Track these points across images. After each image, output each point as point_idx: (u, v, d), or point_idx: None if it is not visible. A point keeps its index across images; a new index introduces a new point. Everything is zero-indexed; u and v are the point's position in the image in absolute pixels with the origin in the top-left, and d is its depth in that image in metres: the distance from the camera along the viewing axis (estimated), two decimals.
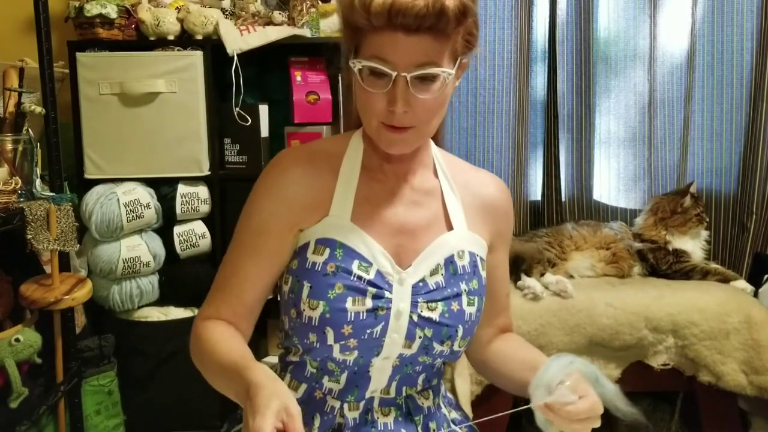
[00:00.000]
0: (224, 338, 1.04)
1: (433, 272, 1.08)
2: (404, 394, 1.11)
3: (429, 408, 1.15)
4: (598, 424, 0.95)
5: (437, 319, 1.06)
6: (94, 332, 2.16)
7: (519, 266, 2.20)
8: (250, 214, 1.10)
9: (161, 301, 2.26)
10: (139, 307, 2.22)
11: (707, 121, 2.51)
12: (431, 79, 0.98)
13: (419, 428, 1.12)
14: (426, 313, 1.05)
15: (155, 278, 2.23)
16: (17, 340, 1.70)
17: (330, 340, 1.04)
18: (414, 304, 1.05)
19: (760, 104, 2.43)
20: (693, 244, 2.33)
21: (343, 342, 1.04)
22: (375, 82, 0.98)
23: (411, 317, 1.05)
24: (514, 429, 2.21)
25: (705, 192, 2.54)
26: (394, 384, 1.10)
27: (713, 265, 2.30)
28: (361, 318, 1.03)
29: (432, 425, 1.14)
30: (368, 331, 1.04)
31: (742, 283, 2.22)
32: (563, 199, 2.58)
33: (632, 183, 2.59)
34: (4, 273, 1.88)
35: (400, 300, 1.05)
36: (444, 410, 1.20)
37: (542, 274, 2.18)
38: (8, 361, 1.67)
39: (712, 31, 2.45)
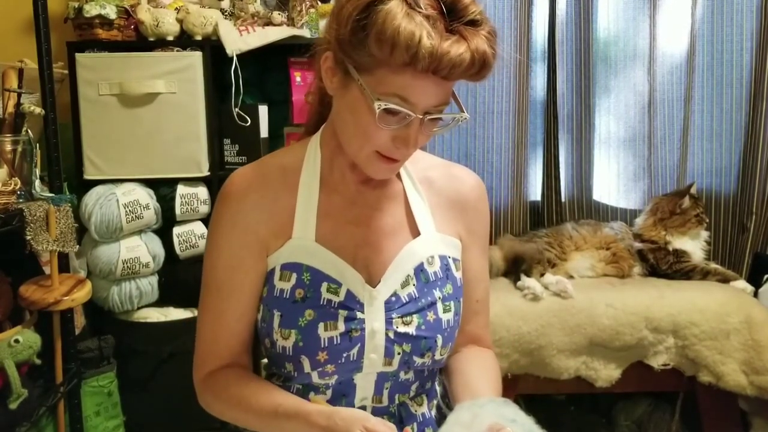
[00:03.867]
0: (245, 389, 1.03)
1: (404, 284, 1.04)
2: (397, 401, 1.08)
3: (423, 414, 1.12)
4: None
5: (414, 333, 1.02)
6: (94, 333, 2.16)
7: (519, 266, 2.20)
8: (219, 252, 1.06)
9: (161, 302, 2.26)
10: (139, 308, 2.22)
11: (707, 121, 2.51)
12: (441, 117, 0.95)
13: None
14: (402, 329, 1.02)
15: (155, 279, 2.23)
16: (17, 341, 1.69)
17: (307, 368, 1.02)
18: (388, 321, 1.02)
19: (760, 103, 2.43)
20: (693, 245, 2.33)
21: (320, 369, 1.01)
22: (389, 119, 0.93)
23: (387, 335, 1.02)
24: None
25: (705, 192, 2.54)
26: (385, 393, 1.07)
27: (713, 266, 2.30)
28: (335, 342, 1.00)
29: (428, 431, 1.12)
30: (344, 355, 1.01)
31: (742, 284, 2.21)
32: (563, 200, 2.58)
33: (632, 183, 2.58)
34: (4, 274, 1.87)
35: (374, 319, 1.01)
36: (446, 411, 1.17)
37: (542, 275, 2.18)
38: (8, 362, 1.66)
39: (712, 31, 2.45)
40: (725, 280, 2.23)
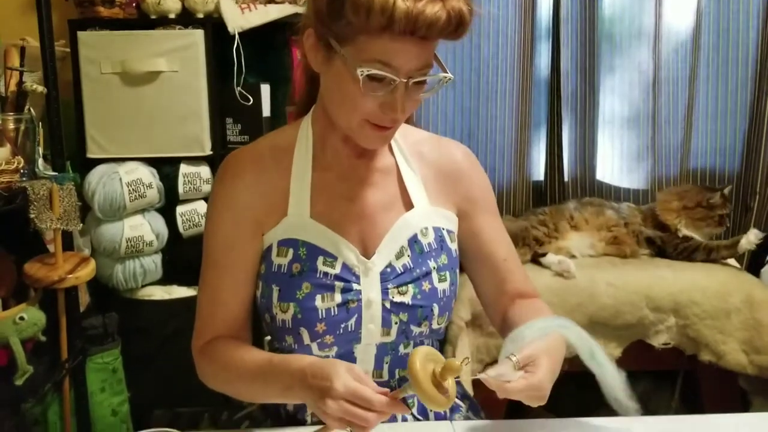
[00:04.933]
0: (240, 351, 1.05)
1: (399, 255, 1.07)
2: (397, 376, 1.11)
3: None
4: (541, 402, 0.91)
5: (410, 303, 1.05)
6: (98, 311, 2.18)
7: None
8: (215, 231, 1.09)
9: (165, 280, 2.28)
10: (143, 286, 2.23)
11: (712, 100, 2.49)
12: (426, 80, 0.97)
13: (414, 410, 1.13)
14: (398, 299, 1.05)
15: (158, 257, 2.24)
16: (21, 318, 1.71)
17: (306, 340, 1.05)
18: (384, 292, 1.05)
19: (765, 82, 2.41)
20: (701, 236, 2.29)
21: (319, 340, 1.04)
22: (374, 86, 0.95)
23: (383, 305, 1.05)
24: (517, 403, 2.23)
25: (709, 172, 2.53)
26: (386, 367, 1.10)
27: (716, 242, 2.27)
28: (333, 314, 1.03)
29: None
30: (342, 326, 1.04)
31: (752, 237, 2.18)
32: (566, 179, 2.57)
33: (635, 163, 2.58)
34: (8, 252, 1.89)
35: (370, 290, 1.04)
36: None
37: (535, 254, 2.17)
38: (13, 339, 1.68)
39: (718, 8, 2.42)
40: (732, 246, 2.20)
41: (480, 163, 1.22)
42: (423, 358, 0.83)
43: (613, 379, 0.96)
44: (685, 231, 2.26)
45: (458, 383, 1.26)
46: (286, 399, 0.99)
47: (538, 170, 2.62)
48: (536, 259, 2.21)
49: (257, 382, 1.01)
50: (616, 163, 2.59)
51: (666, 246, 2.27)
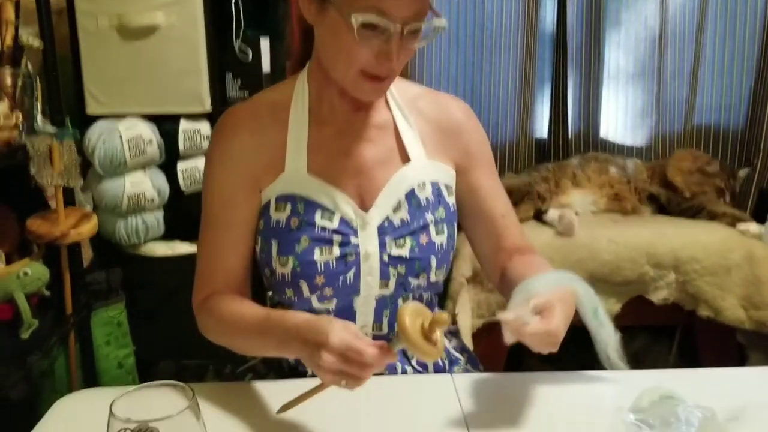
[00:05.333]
0: (238, 305, 1.05)
1: (396, 209, 1.08)
2: (396, 329, 1.13)
3: None
4: (553, 349, 0.91)
5: (407, 255, 1.06)
6: (102, 266, 2.19)
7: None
8: (212, 188, 1.10)
9: (167, 237, 2.28)
10: (146, 242, 2.24)
11: (718, 55, 2.46)
12: (421, 28, 0.97)
13: (413, 362, 1.15)
14: (395, 252, 1.06)
15: (160, 214, 2.24)
16: (25, 273, 1.73)
17: (306, 292, 1.06)
18: (382, 245, 1.06)
19: None
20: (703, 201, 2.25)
21: (318, 292, 1.06)
22: (369, 35, 0.94)
23: (381, 258, 1.06)
24: (514, 358, 2.26)
25: (713, 128, 2.51)
26: (385, 320, 1.11)
27: (723, 208, 2.24)
28: (331, 267, 1.05)
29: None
30: (341, 278, 1.05)
31: (752, 226, 2.16)
32: (569, 136, 2.56)
33: (639, 119, 2.56)
34: (10, 208, 1.89)
35: (368, 243, 1.06)
36: (446, 342, 1.21)
37: (538, 210, 2.17)
38: (17, 294, 1.70)
39: None
40: (733, 223, 2.19)
41: (483, 119, 1.22)
42: (411, 313, 0.85)
43: (609, 338, 0.96)
44: (686, 193, 2.25)
45: (457, 337, 1.28)
46: (282, 353, 1.00)
47: (542, 127, 2.60)
48: (538, 216, 2.21)
49: (254, 337, 1.01)
50: (620, 119, 2.57)
51: (670, 204, 2.27)
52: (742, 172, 2.30)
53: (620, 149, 2.57)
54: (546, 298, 0.91)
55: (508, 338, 0.89)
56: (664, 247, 2.08)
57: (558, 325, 0.89)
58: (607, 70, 2.51)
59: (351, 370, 0.84)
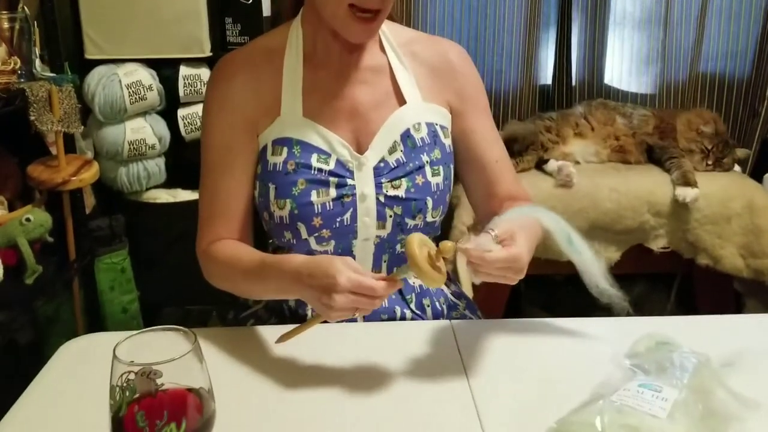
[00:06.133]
0: (240, 250, 1.07)
1: (392, 150, 1.08)
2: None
3: (420, 286, 1.18)
4: (519, 276, 0.91)
5: (403, 196, 1.08)
6: (104, 213, 2.20)
7: (512, 147, 2.17)
8: (211, 133, 1.11)
9: (169, 184, 2.29)
10: (148, 189, 2.24)
11: (726, 2, 2.41)
12: None
13: (412, 305, 1.16)
14: (391, 192, 1.07)
15: (162, 161, 2.24)
16: (28, 219, 1.73)
17: (304, 234, 1.08)
18: (378, 186, 1.07)
19: None
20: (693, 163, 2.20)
21: (316, 234, 1.07)
22: None
23: (378, 199, 1.07)
24: (514, 302, 2.29)
25: (719, 75, 2.48)
26: (384, 265, 1.13)
27: (684, 168, 2.15)
28: (328, 208, 1.06)
29: (425, 301, 1.18)
30: (338, 220, 1.07)
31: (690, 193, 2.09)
32: (573, 83, 2.53)
33: (644, 66, 2.52)
34: (11, 154, 1.89)
35: (364, 184, 1.07)
36: (444, 286, 1.23)
37: (540, 159, 2.16)
38: (21, 240, 1.71)
39: None
40: (686, 184, 2.11)
41: (487, 66, 1.21)
42: (419, 242, 0.88)
43: (592, 266, 0.96)
44: (683, 146, 2.22)
45: (455, 283, 1.29)
46: (282, 296, 1.03)
47: (546, 73, 2.57)
48: (540, 166, 2.21)
49: (253, 281, 1.04)
50: (624, 66, 2.54)
51: (660, 152, 2.22)
52: (742, 152, 2.26)
53: (624, 96, 2.54)
54: (507, 226, 0.92)
55: (473, 276, 0.90)
56: (665, 197, 2.09)
57: (520, 250, 0.90)
58: (613, 16, 2.47)
59: (361, 305, 0.87)
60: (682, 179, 2.09)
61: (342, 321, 0.94)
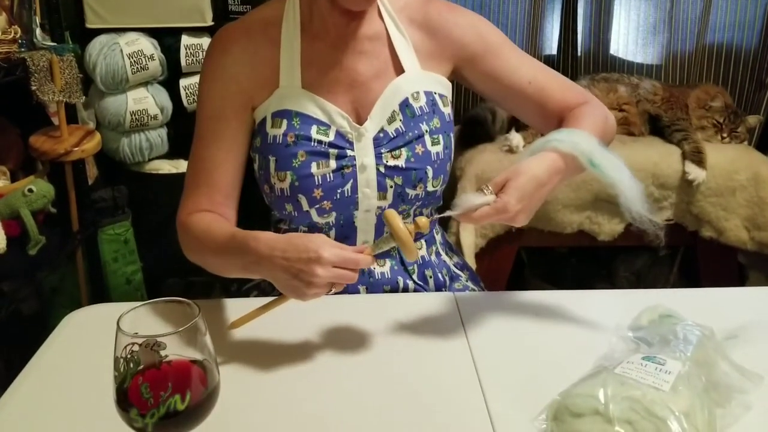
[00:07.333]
0: (213, 224, 1.04)
1: (391, 120, 1.08)
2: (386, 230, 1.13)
3: (423, 258, 1.18)
4: (522, 222, 0.92)
5: (403, 166, 1.07)
6: (107, 184, 2.20)
7: (516, 122, 2.16)
8: (204, 102, 1.10)
9: (172, 155, 2.28)
10: (150, 160, 2.24)
11: None
12: None
13: (414, 276, 1.17)
14: (391, 162, 1.07)
15: (164, 131, 2.23)
16: (30, 190, 1.73)
17: (305, 206, 1.08)
18: (378, 156, 1.07)
19: None
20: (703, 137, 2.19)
21: (317, 206, 1.07)
22: None
23: (378, 169, 1.07)
24: (517, 274, 2.29)
25: (726, 46, 2.45)
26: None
27: (698, 146, 2.12)
28: (328, 180, 1.06)
29: (428, 272, 1.18)
30: (339, 191, 1.07)
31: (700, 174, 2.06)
32: (579, 54, 2.50)
33: (651, 36, 2.49)
34: (13, 124, 1.88)
35: (364, 155, 1.06)
36: (444, 257, 1.23)
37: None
38: (23, 211, 1.71)
39: None
40: (695, 161, 2.09)
41: None
42: (398, 216, 0.90)
43: (627, 188, 0.94)
44: (696, 125, 2.19)
45: (458, 254, 1.29)
46: (247, 274, 0.99)
47: (551, 44, 2.54)
48: None
49: (220, 255, 1.01)
50: (631, 36, 2.50)
51: (667, 121, 2.19)
52: (753, 119, 2.23)
53: (630, 67, 2.51)
54: (497, 179, 0.92)
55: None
56: (670, 168, 2.07)
57: (507, 201, 0.90)
58: None
59: (344, 279, 0.87)
60: (695, 156, 2.07)
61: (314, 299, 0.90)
